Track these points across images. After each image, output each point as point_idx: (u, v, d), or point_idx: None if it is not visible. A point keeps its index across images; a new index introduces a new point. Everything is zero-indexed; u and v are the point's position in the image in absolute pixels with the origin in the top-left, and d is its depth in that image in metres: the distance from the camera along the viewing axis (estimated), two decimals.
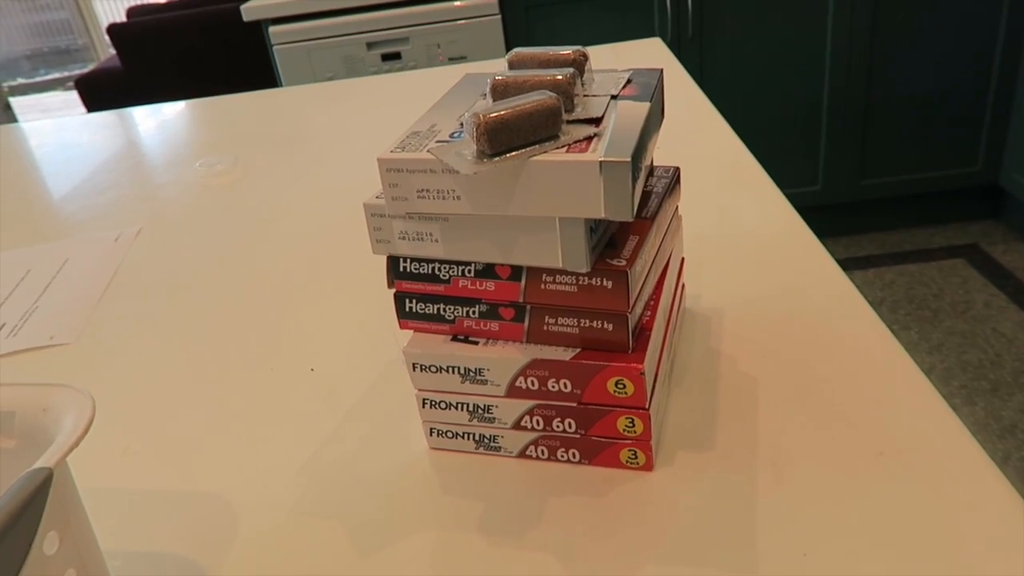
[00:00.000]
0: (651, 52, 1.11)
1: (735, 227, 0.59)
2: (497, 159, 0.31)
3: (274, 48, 2.00)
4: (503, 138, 0.31)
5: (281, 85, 2.05)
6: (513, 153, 0.31)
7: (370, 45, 1.98)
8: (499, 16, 1.95)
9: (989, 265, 2.07)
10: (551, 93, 0.32)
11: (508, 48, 1.99)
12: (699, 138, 0.77)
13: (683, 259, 0.48)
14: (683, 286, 0.49)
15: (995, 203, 2.24)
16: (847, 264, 2.16)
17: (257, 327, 0.56)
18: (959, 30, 1.97)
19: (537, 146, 0.31)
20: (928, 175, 2.14)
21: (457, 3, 1.94)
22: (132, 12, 3.00)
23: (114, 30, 2.59)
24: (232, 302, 0.60)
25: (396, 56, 1.99)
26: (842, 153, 2.11)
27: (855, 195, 2.17)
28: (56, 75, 5.15)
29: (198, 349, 0.54)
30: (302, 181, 0.83)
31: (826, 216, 2.24)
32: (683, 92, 0.91)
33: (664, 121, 0.81)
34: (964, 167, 2.13)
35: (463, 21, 1.95)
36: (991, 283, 2.00)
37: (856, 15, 1.94)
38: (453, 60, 1.99)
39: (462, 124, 0.35)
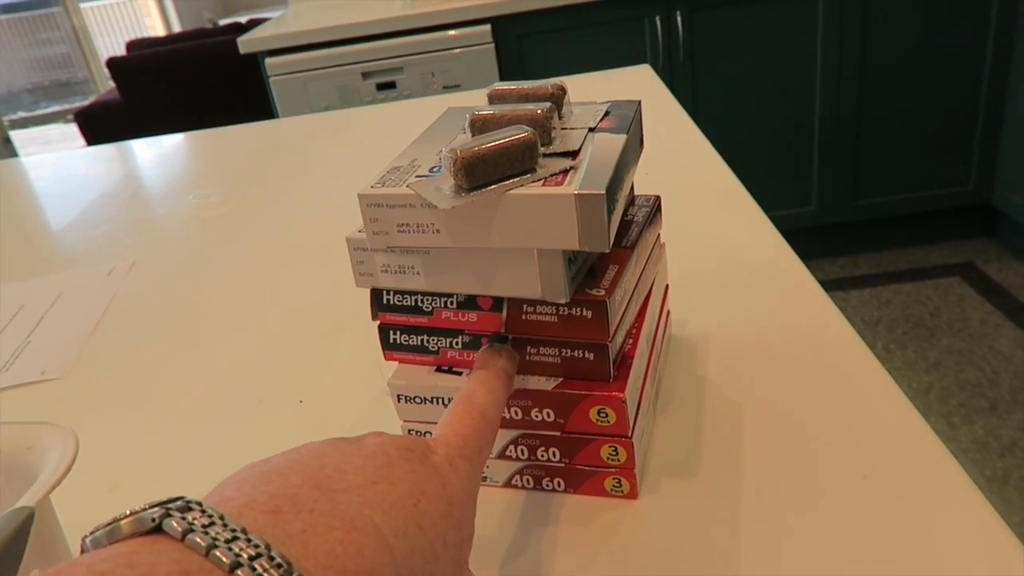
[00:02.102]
0: (641, 79, 1.13)
1: (721, 253, 0.60)
2: (475, 193, 0.31)
3: (270, 79, 2.02)
4: (480, 172, 0.31)
5: (278, 115, 2.07)
6: (491, 187, 0.32)
7: (365, 75, 2.01)
8: (492, 45, 1.97)
9: (984, 283, 2.08)
10: (527, 128, 0.32)
11: (502, 76, 2.02)
12: (686, 165, 0.78)
13: (667, 286, 0.49)
14: (668, 313, 0.49)
15: (989, 221, 2.25)
16: (843, 284, 2.17)
17: (247, 359, 0.56)
18: (948, 50, 1.99)
19: (514, 179, 0.32)
20: (921, 195, 2.16)
21: (451, 33, 1.97)
22: (131, 46, 3.04)
23: (114, 63, 2.62)
24: (222, 334, 0.60)
25: (391, 85, 2.01)
26: (835, 174, 2.13)
27: (849, 215, 2.18)
28: (56, 108, 5.20)
29: (188, 382, 0.55)
30: (294, 212, 0.83)
31: (821, 236, 2.25)
32: (670, 119, 0.92)
33: (650, 148, 0.82)
34: (957, 186, 2.14)
35: (457, 50, 1.98)
36: (987, 301, 2.01)
37: (846, 37, 1.97)
38: (448, 88, 2.02)
39: (441, 159, 0.35)
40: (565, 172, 0.32)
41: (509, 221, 0.32)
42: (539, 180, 0.32)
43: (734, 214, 0.66)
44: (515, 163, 0.32)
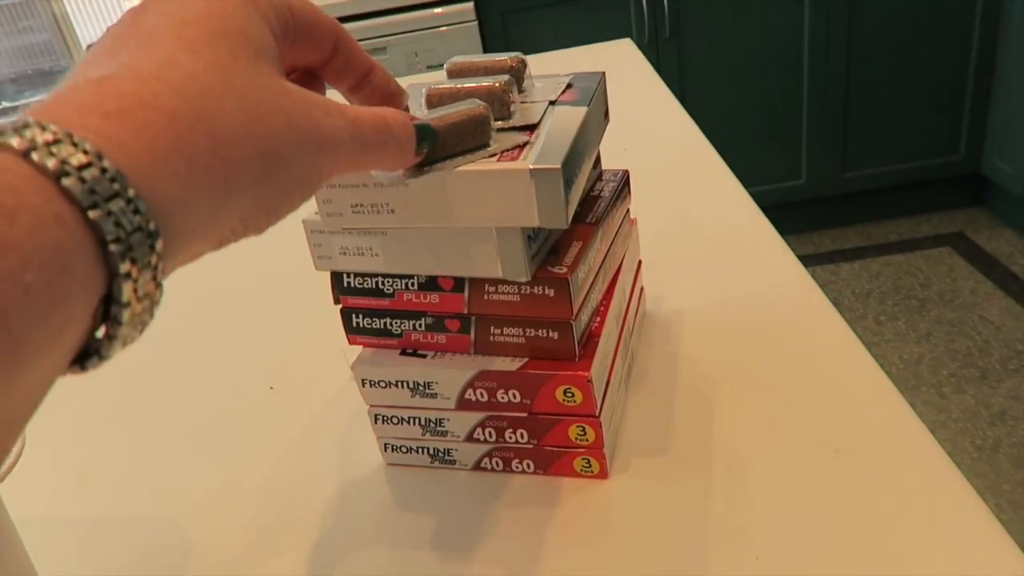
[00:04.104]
0: (623, 52, 1.11)
1: (700, 228, 0.59)
2: (425, 169, 0.30)
3: None
4: (433, 148, 0.30)
5: None
6: (442, 163, 0.31)
7: None
8: (476, 23, 1.95)
9: (975, 252, 2.08)
10: (480, 102, 0.31)
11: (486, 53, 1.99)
12: (665, 139, 0.77)
13: (640, 262, 0.48)
14: (642, 290, 0.48)
15: (978, 191, 2.24)
16: (834, 256, 2.16)
17: (215, 347, 0.55)
18: (935, 20, 1.97)
19: (467, 155, 0.31)
20: (911, 165, 2.15)
21: (436, 11, 1.94)
22: None
23: None
24: (189, 322, 0.59)
25: None
26: (824, 146, 2.11)
27: (839, 188, 2.17)
28: (41, 96, 5.13)
29: (156, 372, 0.54)
30: None
31: (811, 209, 2.24)
32: (648, 91, 0.91)
33: (629, 122, 0.81)
34: (946, 156, 2.13)
35: (442, 28, 1.95)
36: (977, 270, 2.01)
37: (832, 8, 1.95)
38: (432, 68, 1.99)
39: None
40: (520, 147, 0.31)
41: (464, 199, 0.31)
42: (493, 155, 0.31)
43: (713, 188, 0.65)
44: (466, 139, 0.31)
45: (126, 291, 0.17)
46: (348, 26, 1.94)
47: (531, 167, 0.30)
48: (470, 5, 1.93)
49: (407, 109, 0.31)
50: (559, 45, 1.97)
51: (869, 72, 2.03)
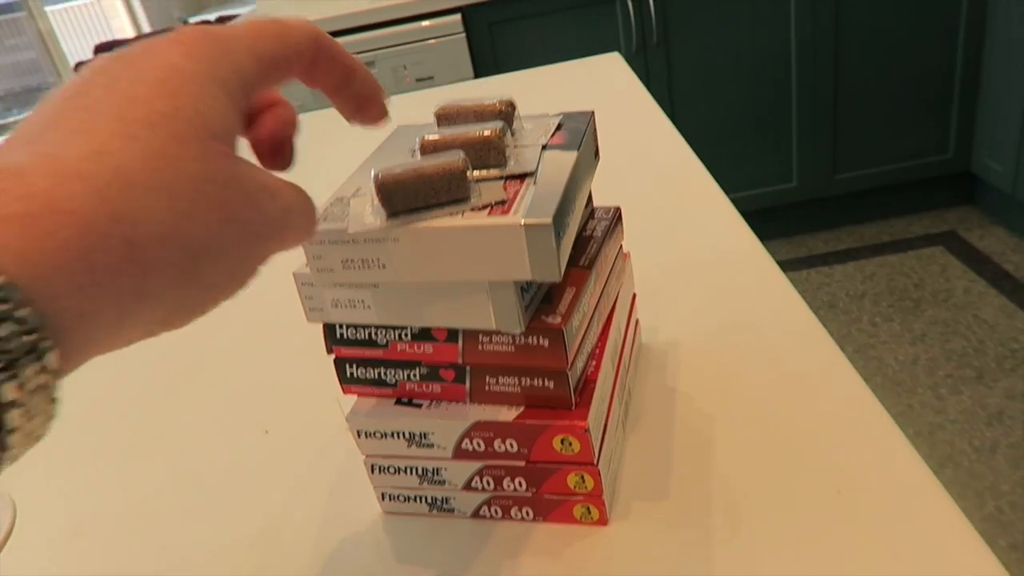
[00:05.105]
0: (611, 66, 1.11)
1: (691, 252, 0.59)
2: (393, 220, 0.30)
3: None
4: (398, 199, 0.30)
5: None
6: (421, 216, 0.30)
7: None
8: (464, 35, 1.94)
9: (967, 251, 2.08)
10: (461, 154, 0.31)
11: (474, 66, 1.99)
12: (653, 157, 0.77)
13: (634, 295, 0.47)
14: (637, 322, 0.48)
15: (969, 189, 2.25)
16: (827, 258, 2.17)
17: (210, 389, 0.55)
18: (921, 19, 1.98)
19: (447, 207, 0.31)
20: (901, 165, 2.15)
21: (423, 24, 1.94)
22: (99, 48, 2.99)
23: (81, 68, 2.57)
24: (183, 365, 0.59)
25: None
26: (814, 149, 2.12)
27: (830, 190, 2.18)
28: (29, 114, 5.11)
29: (150, 415, 0.53)
30: None
31: (803, 212, 2.24)
32: (638, 108, 0.90)
33: (618, 140, 0.81)
34: (936, 155, 2.14)
35: (430, 41, 1.95)
36: (970, 269, 2.01)
37: (819, 11, 1.95)
38: (420, 81, 1.99)
39: None
40: (512, 198, 0.31)
41: (455, 254, 0.31)
42: (485, 207, 0.31)
43: (704, 209, 0.65)
44: (440, 191, 0.31)
45: (13, 418, 0.16)
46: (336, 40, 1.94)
47: (523, 222, 0.29)
48: (457, 18, 1.93)
49: (385, 106, 0.30)
50: (547, 55, 1.97)
51: (857, 73, 2.04)
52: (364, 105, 0.29)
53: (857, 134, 2.11)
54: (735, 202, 0.68)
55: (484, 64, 1.99)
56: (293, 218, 0.23)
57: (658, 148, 0.79)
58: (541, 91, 1.06)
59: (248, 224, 0.21)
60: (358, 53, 1.95)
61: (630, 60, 1.98)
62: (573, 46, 1.98)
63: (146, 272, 0.19)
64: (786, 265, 2.16)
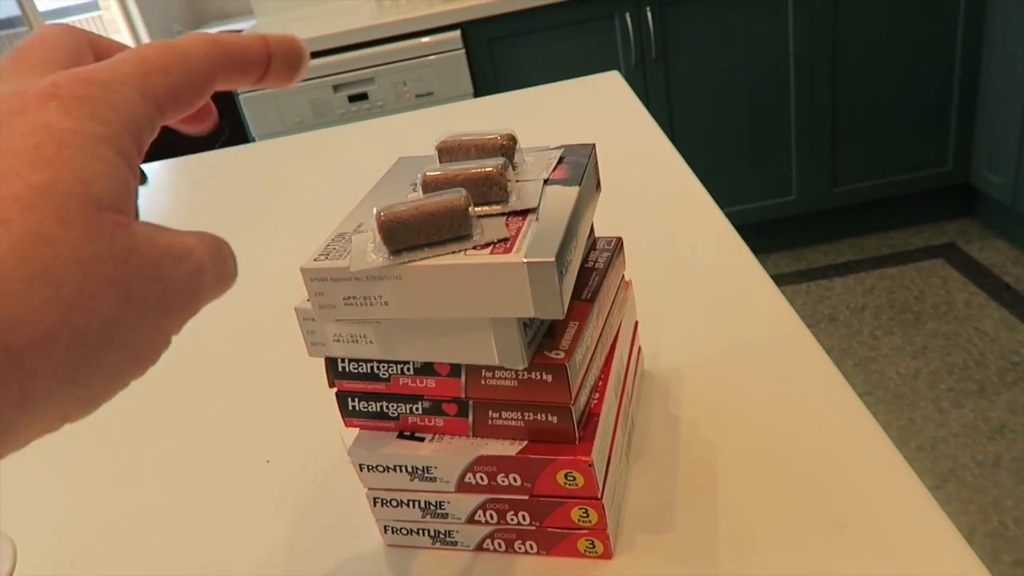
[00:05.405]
0: (611, 85, 1.11)
1: (692, 275, 0.59)
2: (396, 258, 0.31)
3: (240, 96, 1.99)
4: (400, 237, 0.31)
5: (249, 132, 2.05)
6: (423, 253, 0.31)
7: (336, 87, 1.98)
8: (463, 51, 1.95)
9: (967, 264, 2.08)
10: (463, 192, 0.31)
11: (474, 82, 2.00)
12: (653, 177, 0.77)
13: (636, 323, 0.47)
14: (639, 349, 0.48)
15: (969, 201, 2.25)
16: (827, 271, 2.17)
17: (211, 417, 0.55)
18: (919, 32, 1.99)
19: (448, 245, 0.31)
20: (900, 178, 2.16)
21: (423, 40, 1.95)
22: None
23: None
24: (184, 390, 0.59)
25: (363, 97, 1.99)
26: (813, 162, 2.12)
27: (830, 202, 2.18)
28: None
29: (148, 443, 0.53)
30: (267, 251, 0.82)
31: (803, 225, 2.25)
32: (639, 130, 0.91)
33: (618, 161, 0.81)
34: (935, 168, 2.15)
35: (430, 57, 1.96)
36: (971, 282, 2.01)
37: (816, 23, 1.96)
38: (420, 97, 2.00)
39: None
40: (514, 235, 0.31)
41: (458, 291, 0.31)
42: (484, 245, 0.31)
43: (701, 230, 0.65)
44: (443, 229, 0.31)
45: None
46: (335, 58, 1.95)
47: (525, 261, 0.29)
48: (457, 34, 1.94)
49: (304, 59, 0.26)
50: (546, 71, 1.98)
51: (855, 86, 2.05)
52: (294, 66, 0.25)
53: (856, 146, 2.12)
54: (734, 215, 0.68)
55: (483, 80, 2.00)
56: (206, 279, 0.21)
57: (657, 169, 0.79)
58: (540, 111, 1.06)
59: (152, 300, 0.19)
60: (357, 69, 1.96)
61: (629, 75, 1.99)
62: (572, 62, 1.99)
63: (28, 378, 0.16)
64: (786, 278, 2.16)
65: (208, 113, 0.26)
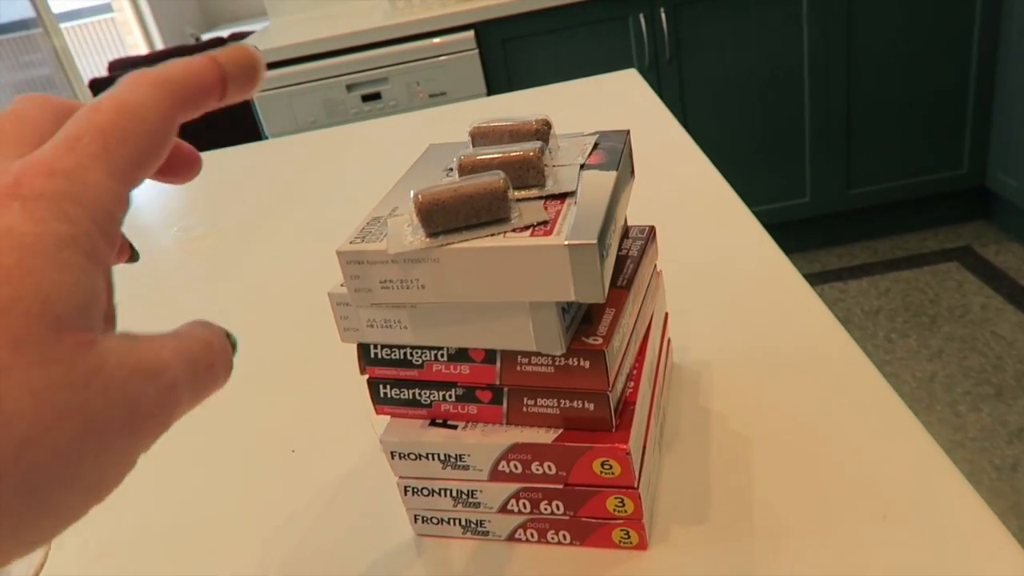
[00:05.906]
0: (628, 83, 1.11)
1: (719, 269, 0.58)
2: (434, 240, 0.30)
3: (254, 95, 2.00)
4: (439, 219, 0.30)
5: (263, 132, 2.05)
6: (461, 236, 0.30)
7: (350, 87, 1.98)
8: (477, 51, 1.95)
9: (983, 267, 2.07)
10: (502, 174, 0.31)
11: (487, 81, 2.00)
12: (677, 174, 0.77)
13: (667, 314, 0.47)
14: (669, 342, 0.48)
15: (984, 204, 2.24)
16: (841, 274, 2.15)
17: (236, 407, 0.54)
18: (934, 34, 1.98)
19: (486, 228, 0.30)
20: (915, 180, 2.14)
21: (435, 40, 1.95)
22: (113, 66, 3.02)
23: (96, 85, 2.59)
24: None
25: (376, 96, 1.99)
26: (828, 164, 2.11)
27: (844, 205, 2.17)
28: None
29: (172, 433, 0.53)
30: (285, 245, 0.81)
31: (817, 227, 2.23)
32: (661, 127, 0.90)
33: (640, 158, 0.81)
34: (950, 170, 2.13)
35: (441, 58, 1.96)
36: (987, 285, 2.00)
37: (831, 25, 1.95)
38: (433, 97, 2.00)
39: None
40: (554, 219, 0.31)
41: (498, 275, 0.30)
42: (527, 228, 0.30)
43: (728, 225, 0.65)
44: (481, 211, 0.30)
45: None
46: (348, 58, 1.95)
47: (567, 243, 0.29)
48: (470, 34, 1.94)
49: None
50: (560, 72, 1.98)
51: (870, 88, 2.03)
52: (251, 77, 0.23)
53: (870, 149, 2.10)
54: None
55: (497, 80, 2.00)
56: (181, 396, 0.19)
57: (680, 164, 0.78)
58: (558, 108, 1.06)
59: (118, 425, 0.17)
60: (370, 69, 1.97)
61: (642, 76, 1.99)
62: (585, 62, 1.98)
63: None
64: None
65: (194, 162, 0.25)
